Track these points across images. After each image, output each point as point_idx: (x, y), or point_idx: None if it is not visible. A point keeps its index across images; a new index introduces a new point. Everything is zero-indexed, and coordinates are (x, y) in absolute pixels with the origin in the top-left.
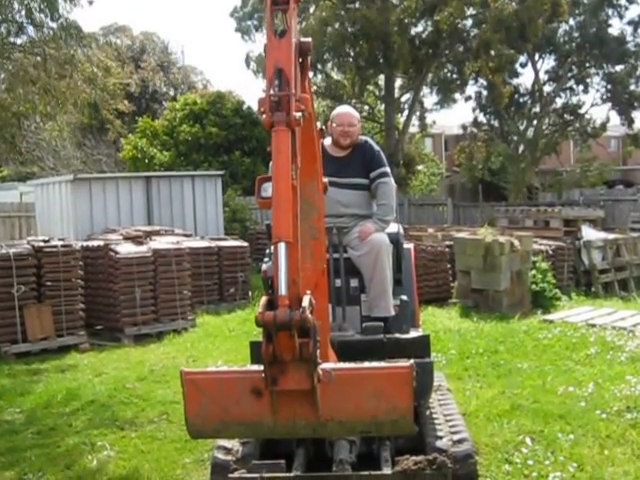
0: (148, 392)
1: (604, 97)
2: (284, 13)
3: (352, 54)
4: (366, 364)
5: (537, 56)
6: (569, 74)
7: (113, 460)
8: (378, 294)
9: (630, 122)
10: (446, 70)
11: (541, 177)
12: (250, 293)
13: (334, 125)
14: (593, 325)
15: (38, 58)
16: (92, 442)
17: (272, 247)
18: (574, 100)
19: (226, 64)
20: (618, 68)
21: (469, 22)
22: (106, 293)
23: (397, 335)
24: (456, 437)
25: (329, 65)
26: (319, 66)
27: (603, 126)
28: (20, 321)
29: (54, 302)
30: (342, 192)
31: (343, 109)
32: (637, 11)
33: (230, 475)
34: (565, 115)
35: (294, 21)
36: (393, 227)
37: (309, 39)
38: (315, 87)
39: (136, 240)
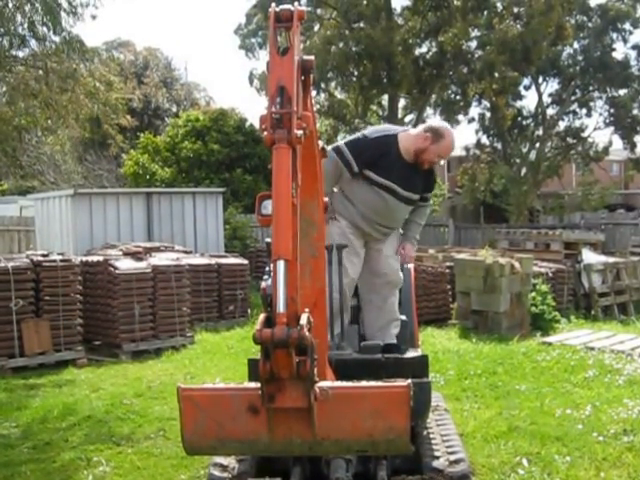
0: (145, 408)
1: (607, 121)
2: (287, 31)
3: (356, 74)
4: (363, 383)
5: (541, 79)
6: (572, 97)
7: (109, 476)
8: (389, 321)
9: (632, 146)
10: (450, 91)
11: (543, 200)
12: (249, 311)
13: (434, 145)
14: (592, 348)
15: (40, 71)
16: (88, 457)
17: (271, 265)
18: (577, 123)
19: (229, 81)
20: (621, 92)
21: (473, 44)
22: (105, 309)
23: (395, 355)
24: (453, 457)
25: (333, 84)
26: (322, 85)
27: (605, 150)
28: (18, 335)
29: (52, 317)
30: (399, 205)
31: (452, 139)
32: None
33: None
34: (568, 138)
35: (297, 39)
36: None
37: (312, 57)
38: (318, 106)
39: (136, 256)
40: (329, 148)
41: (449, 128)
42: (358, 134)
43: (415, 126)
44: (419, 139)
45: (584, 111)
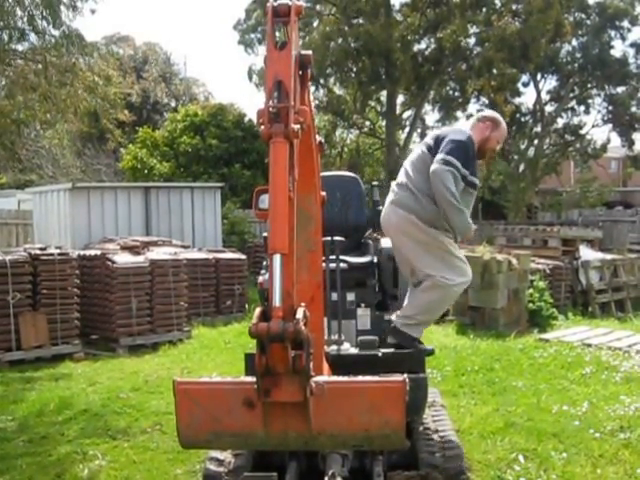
0: (142, 402)
1: (605, 118)
2: (285, 25)
3: (354, 69)
4: (359, 378)
5: (539, 76)
6: (571, 94)
7: (104, 470)
8: None
9: (631, 144)
10: (448, 88)
11: (541, 197)
12: (247, 306)
13: (495, 132)
14: (589, 345)
15: (39, 65)
16: (84, 451)
17: (268, 259)
18: (575, 120)
19: (228, 77)
20: (620, 90)
21: (472, 40)
22: (102, 303)
23: (392, 350)
24: (449, 453)
25: (331, 80)
26: (321, 81)
27: (604, 147)
28: (15, 329)
29: (49, 310)
30: None
31: (505, 124)
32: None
33: None
34: (566, 135)
35: (295, 33)
36: (390, 242)
37: (309, 52)
38: (317, 102)
39: (133, 250)
40: (440, 164)
41: (498, 114)
42: (451, 142)
43: (413, 123)
44: (481, 130)
45: (582, 108)
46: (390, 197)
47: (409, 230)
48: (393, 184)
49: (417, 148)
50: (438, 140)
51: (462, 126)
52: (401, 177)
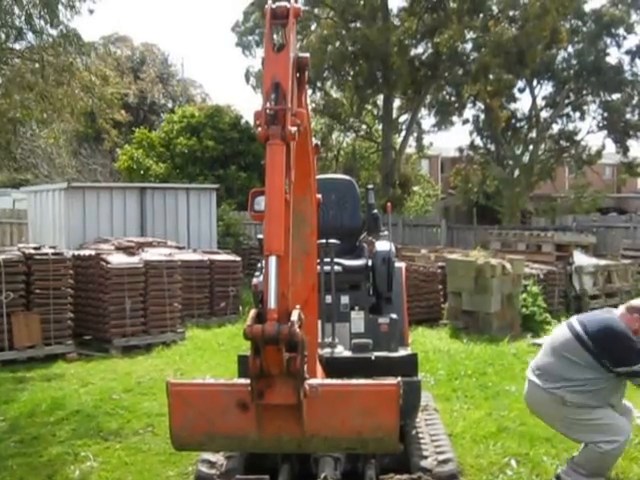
0: (134, 404)
1: (600, 125)
2: (283, 27)
3: (351, 73)
4: (353, 381)
5: (535, 82)
6: (566, 101)
7: (96, 471)
8: None
9: (625, 150)
10: (444, 92)
11: (535, 202)
12: (241, 308)
13: None
14: None
15: (36, 64)
16: (75, 452)
17: (263, 261)
18: (570, 127)
19: (225, 78)
20: (615, 97)
21: (469, 45)
22: (96, 303)
23: (385, 353)
24: (441, 457)
25: (328, 83)
26: (318, 84)
27: (598, 153)
28: (7, 328)
29: (43, 310)
30: None
31: None
32: (635, 41)
33: None
34: (561, 141)
35: (293, 36)
36: (385, 245)
37: (307, 54)
38: (314, 105)
39: (128, 251)
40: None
41: None
42: (618, 350)
43: (410, 127)
44: (630, 321)
45: (577, 114)
46: (533, 378)
47: (557, 415)
48: (532, 368)
49: (560, 331)
50: (591, 335)
51: (610, 314)
52: (543, 360)
